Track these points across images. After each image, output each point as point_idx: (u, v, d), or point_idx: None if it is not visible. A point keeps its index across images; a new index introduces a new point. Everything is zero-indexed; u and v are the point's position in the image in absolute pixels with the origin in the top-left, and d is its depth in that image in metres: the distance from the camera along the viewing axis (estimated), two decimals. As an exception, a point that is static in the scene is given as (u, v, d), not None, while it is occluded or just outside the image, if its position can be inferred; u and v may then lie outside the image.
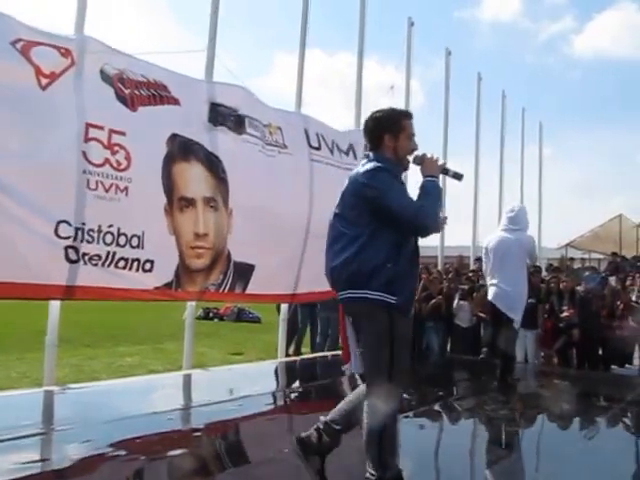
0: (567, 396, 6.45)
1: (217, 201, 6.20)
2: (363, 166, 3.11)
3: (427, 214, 3.00)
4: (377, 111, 3.26)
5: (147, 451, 3.88)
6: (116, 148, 5.29)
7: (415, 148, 3.20)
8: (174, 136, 5.84)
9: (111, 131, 5.27)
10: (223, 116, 6.40)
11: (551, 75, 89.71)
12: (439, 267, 11.66)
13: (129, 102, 5.47)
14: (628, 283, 9.39)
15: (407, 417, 4.90)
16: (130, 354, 9.02)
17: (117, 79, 5.42)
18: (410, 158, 3.19)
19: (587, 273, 9.87)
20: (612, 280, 9.43)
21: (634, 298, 8.82)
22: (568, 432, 5.10)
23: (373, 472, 2.95)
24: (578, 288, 9.01)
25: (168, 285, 5.77)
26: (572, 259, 18.30)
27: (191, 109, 6.08)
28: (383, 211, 2.96)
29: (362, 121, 8.61)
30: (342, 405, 3.28)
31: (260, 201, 6.50)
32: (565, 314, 8.45)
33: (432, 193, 3.05)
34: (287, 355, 8.21)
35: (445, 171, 3.23)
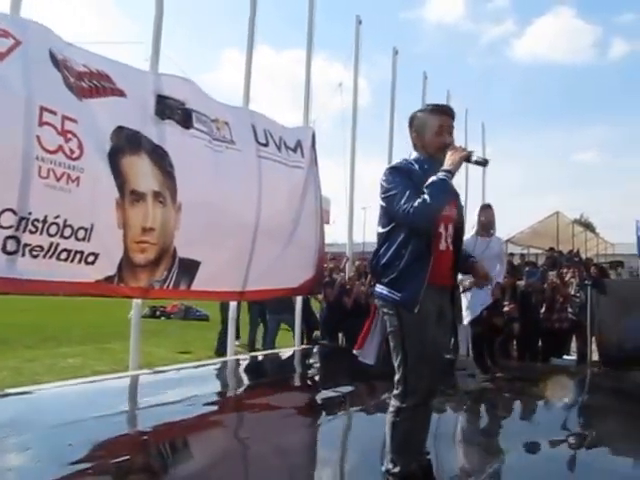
0: (510, 387, 6.59)
1: (165, 196, 6.07)
2: None
3: (420, 213, 2.99)
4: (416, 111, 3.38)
5: (93, 457, 3.75)
6: (69, 135, 5.08)
7: (448, 142, 3.21)
8: (120, 129, 5.67)
9: (64, 117, 5.04)
10: (170, 109, 6.27)
11: (493, 77, 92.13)
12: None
13: (75, 91, 5.29)
14: (567, 278, 9.65)
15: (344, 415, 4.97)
16: (73, 355, 8.77)
17: (63, 65, 5.21)
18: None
19: (527, 268, 10.09)
20: (551, 275, 9.66)
21: (572, 292, 9.08)
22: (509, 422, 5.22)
23: (386, 465, 3.11)
24: (519, 283, 9.23)
25: (110, 279, 5.58)
26: (512, 254, 18.78)
27: (137, 101, 5.93)
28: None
29: (310, 118, 8.77)
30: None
31: (207, 197, 6.40)
32: (506, 309, 8.63)
33: (436, 192, 3.02)
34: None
35: (468, 159, 3.21)
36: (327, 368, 7.86)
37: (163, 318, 16.29)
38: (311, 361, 8.30)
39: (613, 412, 5.55)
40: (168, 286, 6.30)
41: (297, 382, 6.96)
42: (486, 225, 6.67)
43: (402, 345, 3.07)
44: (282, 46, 76.82)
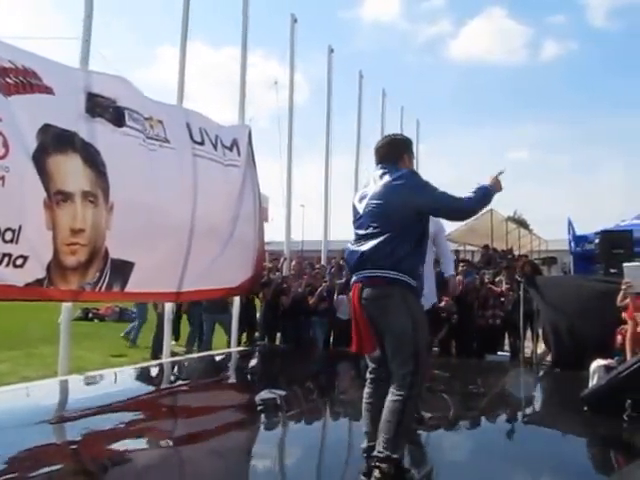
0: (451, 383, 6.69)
1: (96, 195, 5.89)
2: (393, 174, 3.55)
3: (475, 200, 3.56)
4: (396, 134, 4.08)
5: (18, 468, 3.59)
6: None
7: None
8: (47, 127, 5.47)
9: (-12, 114, 4.81)
10: (101, 107, 6.09)
11: (430, 76, 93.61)
12: (323, 262, 11.82)
13: (1, 88, 5.08)
14: (498, 279, 9.91)
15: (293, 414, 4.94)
16: (0, 360, 8.42)
17: (-15, 61, 5.01)
18: None
19: (462, 265, 10.28)
20: (486, 274, 9.88)
21: (504, 289, 9.31)
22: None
23: (382, 450, 3.19)
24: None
25: (39, 282, 5.38)
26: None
27: (66, 99, 5.73)
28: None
29: (247, 115, 8.68)
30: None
31: (141, 196, 6.25)
32: (443, 303, 8.79)
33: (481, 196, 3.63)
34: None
35: None
36: (258, 370, 7.82)
37: (96, 321, 15.88)
38: (244, 363, 8.23)
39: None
40: (100, 288, 6.12)
41: (227, 384, 6.88)
42: None
43: (414, 331, 3.31)
44: (220, 43, 76.04)
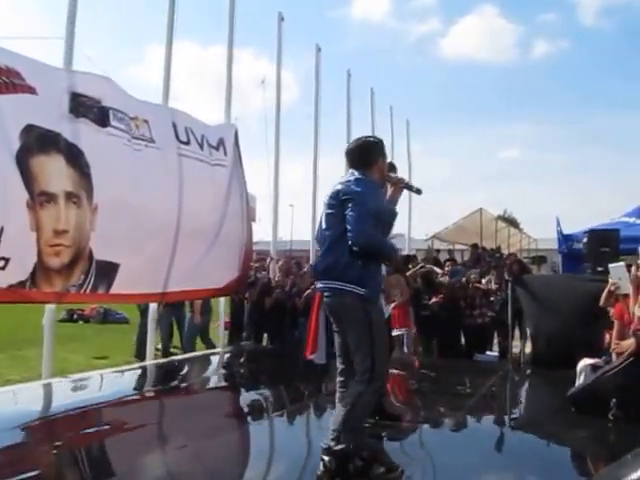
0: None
1: (80, 196, 5.83)
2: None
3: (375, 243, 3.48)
4: (371, 136, 3.99)
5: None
6: None
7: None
8: (30, 127, 5.41)
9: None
10: (85, 107, 6.02)
11: (420, 75, 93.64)
12: (311, 262, 11.77)
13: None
14: (487, 278, 9.91)
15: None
16: (-17, 363, 8.32)
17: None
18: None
19: (449, 264, 10.29)
20: (474, 273, 9.86)
21: (493, 286, 9.30)
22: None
23: (330, 442, 3.32)
24: (443, 279, 9.42)
25: (22, 284, 5.32)
26: (438, 251, 19.14)
27: (49, 99, 5.67)
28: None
29: (233, 115, 8.63)
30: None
31: (126, 197, 6.20)
32: (434, 300, 8.79)
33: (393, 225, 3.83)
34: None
35: (409, 187, 3.88)
36: (243, 370, 7.79)
37: (81, 322, 15.76)
38: (228, 363, 8.19)
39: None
40: (85, 290, 6.07)
41: (210, 385, 6.87)
42: None
43: (370, 335, 3.37)
44: (208, 42, 75.74)
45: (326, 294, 3.55)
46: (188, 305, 9.10)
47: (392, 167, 4.85)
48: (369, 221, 3.37)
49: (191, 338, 9.22)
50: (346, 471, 3.28)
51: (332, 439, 3.33)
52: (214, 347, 8.92)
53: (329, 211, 3.57)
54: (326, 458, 3.29)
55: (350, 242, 3.36)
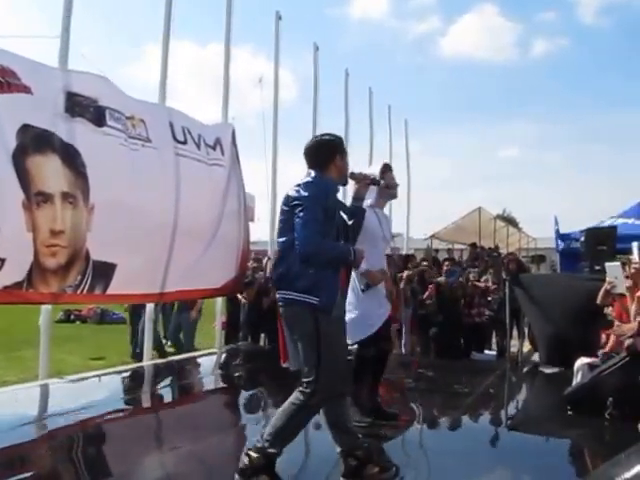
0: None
1: (76, 197, 5.82)
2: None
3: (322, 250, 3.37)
4: (327, 134, 3.79)
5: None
6: None
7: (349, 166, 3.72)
8: (26, 127, 5.39)
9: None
10: (81, 107, 6.00)
11: (419, 74, 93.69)
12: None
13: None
14: (485, 277, 9.92)
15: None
16: (-20, 365, 8.29)
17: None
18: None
19: (447, 264, 10.29)
20: (471, 273, 9.87)
21: (490, 285, 9.31)
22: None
23: (260, 442, 3.30)
24: (440, 279, 9.43)
25: (18, 285, 5.30)
26: (437, 250, 19.15)
27: (45, 98, 5.64)
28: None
29: (229, 113, 8.61)
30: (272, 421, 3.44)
31: (122, 197, 6.17)
32: (426, 294, 8.80)
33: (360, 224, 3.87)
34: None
35: (376, 183, 3.91)
36: (240, 371, 7.78)
37: (78, 322, 15.74)
38: (226, 363, 8.17)
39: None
40: (82, 291, 6.05)
41: (207, 386, 6.86)
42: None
43: (317, 347, 3.27)
44: (206, 40, 75.66)
45: (280, 304, 3.48)
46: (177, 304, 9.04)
47: (388, 168, 4.84)
48: (316, 227, 3.29)
49: (191, 336, 9.25)
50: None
51: (265, 439, 3.30)
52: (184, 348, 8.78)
53: (281, 217, 3.50)
54: (254, 455, 3.27)
55: (298, 251, 3.31)
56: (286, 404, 3.36)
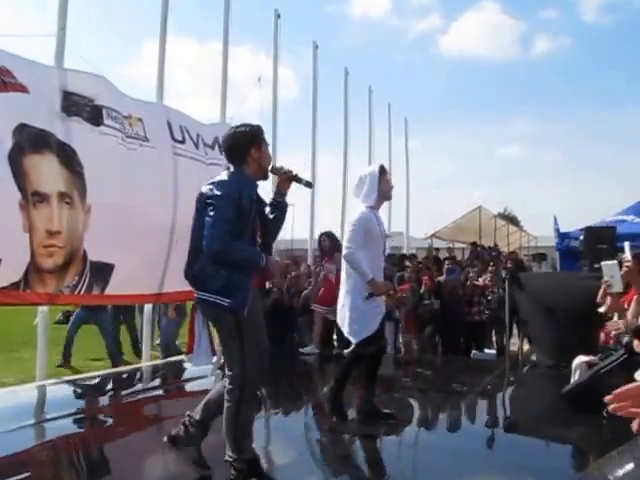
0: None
1: (72, 197, 5.81)
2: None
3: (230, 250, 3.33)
4: (239, 126, 3.63)
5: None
6: None
7: (271, 158, 3.63)
8: (23, 126, 5.37)
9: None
10: (78, 106, 5.98)
11: (419, 72, 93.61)
12: (309, 260, 11.73)
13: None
14: (485, 276, 9.90)
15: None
16: (-24, 365, 8.25)
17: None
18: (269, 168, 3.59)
19: (447, 263, 10.27)
20: (471, 271, 9.85)
21: (489, 283, 9.29)
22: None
23: (231, 454, 3.29)
24: (439, 279, 9.42)
25: (15, 285, 5.28)
26: (437, 249, 19.16)
27: (41, 97, 5.63)
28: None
29: (229, 112, 8.58)
30: (204, 400, 3.62)
31: (120, 197, 6.15)
32: (422, 289, 8.78)
33: (281, 219, 3.65)
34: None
35: (298, 180, 3.67)
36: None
37: (77, 323, 15.66)
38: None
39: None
40: (80, 291, 6.04)
41: (208, 386, 6.83)
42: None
43: (240, 343, 3.30)
44: (205, 38, 75.62)
45: (199, 304, 3.51)
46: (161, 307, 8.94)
47: (385, 170, 4.84)
48: (225, 227, 3.26)
49: (170, 339, 9.10)
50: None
51: (232, 451, 3.30)
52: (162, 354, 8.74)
53: (194, 216, 3.49)
54: (238, 465, 3.28)
55: (205, 249, 3.30)
56: (224, 413, 3.34)
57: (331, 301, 7.42)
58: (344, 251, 4.56)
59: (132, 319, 9.36)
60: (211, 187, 3.37)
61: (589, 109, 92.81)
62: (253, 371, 3.32)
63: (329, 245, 8.41)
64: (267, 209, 3.65)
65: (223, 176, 3.46)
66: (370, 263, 4.54)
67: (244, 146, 3.47)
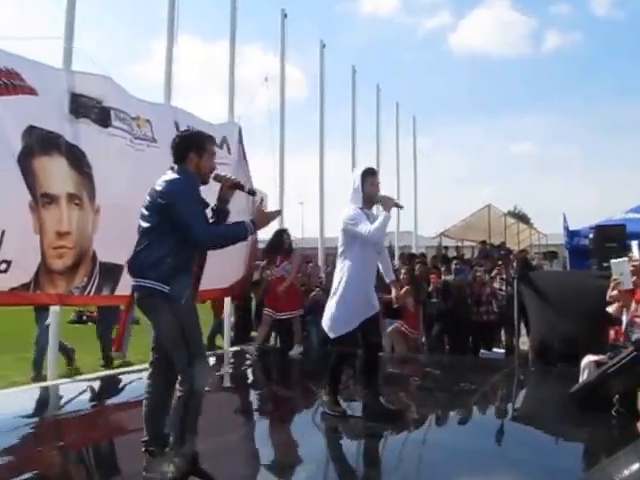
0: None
1: (81, 198, 5.87)
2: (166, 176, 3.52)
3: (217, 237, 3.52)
4: (186, 131, 3.96)
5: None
6: None
7: (214, 167, 3.69)
8: (32, 128, 5.43)
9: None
10: (86, 107, 6.04)
11: (430, 70, 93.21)
12: (319, 259, 11.74)
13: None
14: (494, 274, 9.87)
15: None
16: (-9, 364, 8.30)
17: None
18: (212, 176, 3.68)
19: (455, 262, 10.26)
20: (480, 270, 9.81)
21: (497, 286, 9.27)
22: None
23: (174, 451, 3.32)
24: (447, 278, 9.40)
25: (25, 286, 5.34)
26: (446, 247, 19.10)
27: (50, 100, 5.69)
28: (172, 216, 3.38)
29: (235, 112, 8.60)
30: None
31: (128, 198, 6.08)
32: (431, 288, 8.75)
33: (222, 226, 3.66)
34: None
35: (241, 188, 3.75)
36: (251, 370, 7.78)
37: (90, 323, 15.67)
38: (234, 363, 8.18)
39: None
40: (90, 292, 6.10)
41: (216, 385, 6.84)
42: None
43: (182, 334, 3.34)
44: (214, 38, 75.67)
45: (136, 293, 3.49)
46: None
47: (372, 172, 4.83)
48: (199, 218, 3.45)
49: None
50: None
51: (175, 443, 3.35)
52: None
53: (144, 206, 3.55)
54: (177, 461, 3.30)
55: (195, 242, 3.42)
56: (175, 406, 3.37)
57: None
58: (366, 235, 4.59)
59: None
60: (163, 184, 3.46)
61: (602, 104, 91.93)
62: (200, 365, 3.37)
63: (289, 243, 8.44)
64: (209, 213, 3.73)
65: (173, 174, 3.52)
66: (363, 259, 4.65)
67: (184, 149, 3.59)
